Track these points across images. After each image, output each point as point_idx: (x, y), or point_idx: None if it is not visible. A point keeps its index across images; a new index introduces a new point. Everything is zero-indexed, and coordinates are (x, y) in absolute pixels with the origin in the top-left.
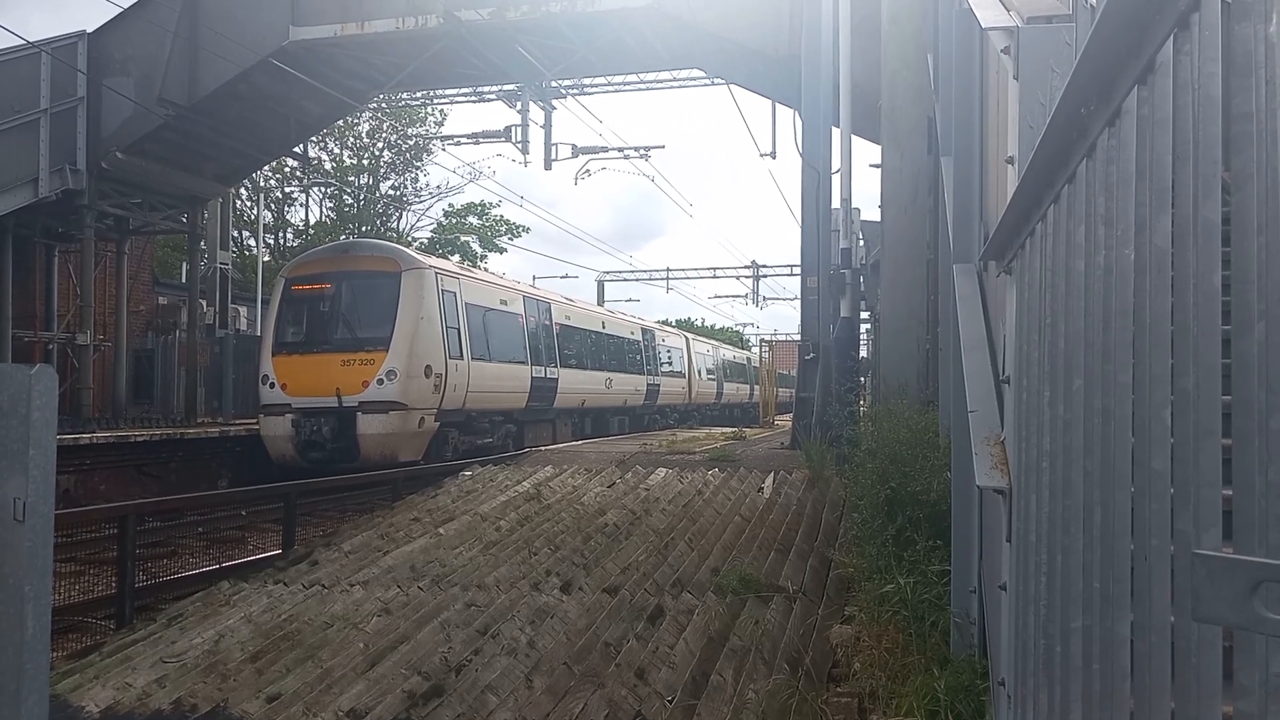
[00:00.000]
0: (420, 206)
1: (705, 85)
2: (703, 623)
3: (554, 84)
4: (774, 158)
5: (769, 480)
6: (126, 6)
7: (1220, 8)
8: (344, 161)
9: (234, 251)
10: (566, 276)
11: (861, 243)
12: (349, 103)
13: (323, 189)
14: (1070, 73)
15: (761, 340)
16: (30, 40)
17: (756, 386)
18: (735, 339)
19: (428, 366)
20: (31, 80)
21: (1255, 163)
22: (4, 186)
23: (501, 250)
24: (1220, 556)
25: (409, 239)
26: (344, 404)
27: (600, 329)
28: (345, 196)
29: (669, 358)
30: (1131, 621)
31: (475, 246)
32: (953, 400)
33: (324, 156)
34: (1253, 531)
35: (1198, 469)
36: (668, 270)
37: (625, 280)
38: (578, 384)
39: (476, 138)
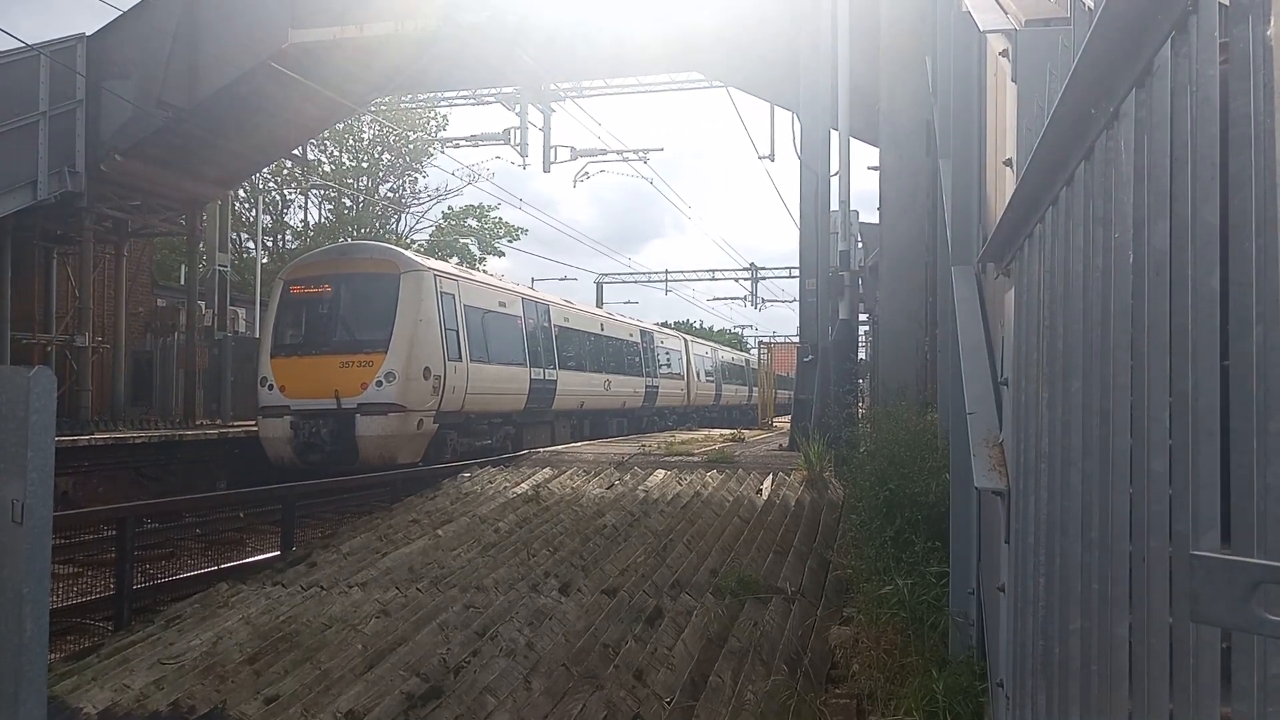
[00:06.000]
0: (419, 209)
1: (704, 88)
2: (701, 624)
3: (552, 87)
4: (772, 160)
5: (767, 482)
6: (125, 9)
7: (1217, 10)
8: (343, 164)
9: (232, 254)
10: (565, 278)
11: (860, 245)
12: (348, 105)
13: (321, 191)
14: (1068, 75)
15: (760, 342)
16: (29, 43)
17: (755, 388)
18: (734, 341)
19: (426, 368)
20: (30, 83)
21: (1253, 165)
22: (3, 189)
23: (500, 253)
24: (1218, 558)
25: (408, 241)
26: (342, 406)
27: (599, 331)
28: (344, 199)
29: (667, 360)
30: (1130, 623)
31: (474, 249)
32: (951, 402)
33: (323, 159)
34: (1251, 533)
35: (1196, 471)
36: (666, 272)
37: (624, 282)
38: (576, 386)
39: (475, 140)
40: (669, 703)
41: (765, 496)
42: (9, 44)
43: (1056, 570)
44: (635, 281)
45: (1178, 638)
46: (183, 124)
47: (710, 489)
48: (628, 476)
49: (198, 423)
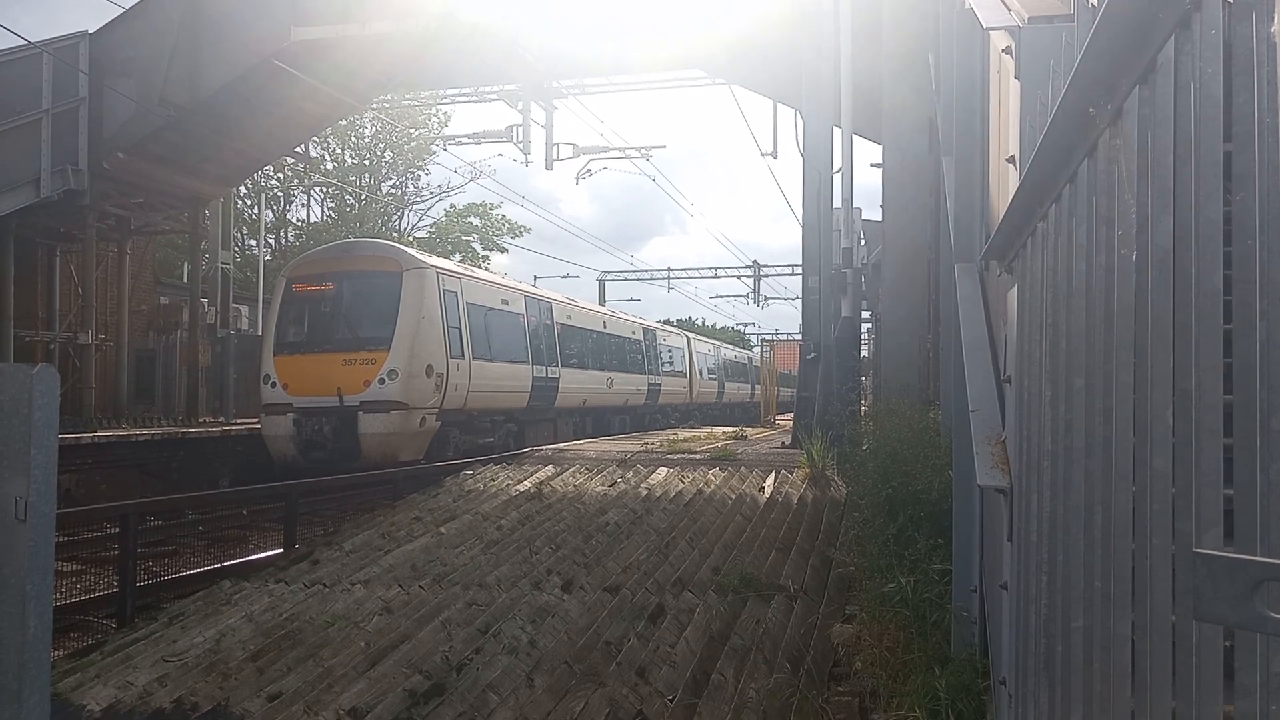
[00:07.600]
0: (421, 206)
1: (706, 85)
2: (704, 621)
3: (554, 84)
4: (775, 157)
5: (770, 479)
6: (128, 7)
7: (1221, 7)
8: (345, 161)
9: (235, 251)
10: (568, 276)
11: (863, 242)
12: (350, 102)
13: (324, 189)
14: (1072, 72)
15: (762, 340)
16: (32, 40)
17: (758, 386)
18: (736, 338)
19: (429, 366)
20: (33, 81)
21: (1256, 162)
22: (6, 186)
23: (503, 250)
24: (1221, 556)
25: (410, 239)
26: (345, 403)
27: (601, 329)
28: (346, 196)
29: (670, 357)
30: (1132, 621)
31: (476, 246)
32: (954, 399)
33: (325, 156)
34: (1254, 531)
35: (1199, 468)
36: (669, 270)
37: (626, 280)
38: (579, 384)
39: (478, 138)
40: (671, 700)
41: (768, 494)
42: (11, 41)
43: (1059, 568)
44: (638, 279)
45: (1180, 635)
46: (185, 122)
47: (713, 487)
48: (630, 474)
49: (200, 420)
